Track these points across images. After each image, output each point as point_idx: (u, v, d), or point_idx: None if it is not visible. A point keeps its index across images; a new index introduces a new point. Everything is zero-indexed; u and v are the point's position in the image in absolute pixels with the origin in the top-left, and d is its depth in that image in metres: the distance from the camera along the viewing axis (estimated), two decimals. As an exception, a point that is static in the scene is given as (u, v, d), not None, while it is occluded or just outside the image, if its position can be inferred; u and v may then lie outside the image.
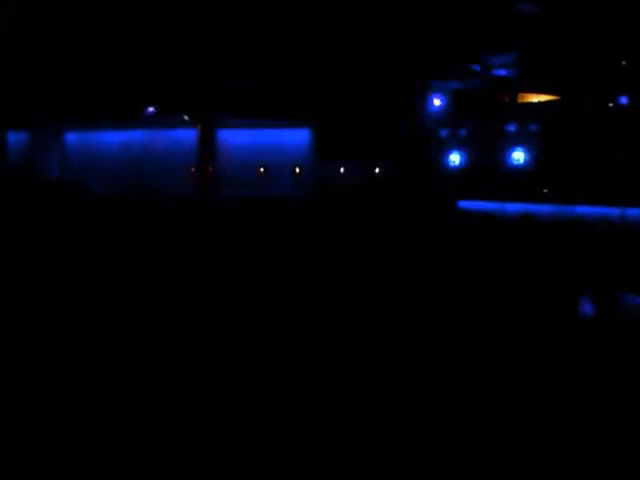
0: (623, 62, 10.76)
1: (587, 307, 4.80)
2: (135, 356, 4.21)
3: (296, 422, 3.34)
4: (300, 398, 3.56)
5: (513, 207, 13.19)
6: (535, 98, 14.47)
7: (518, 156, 13.95)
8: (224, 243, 8.25)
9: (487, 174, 14.14)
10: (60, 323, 4.75)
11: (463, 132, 14.68)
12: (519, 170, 13.97)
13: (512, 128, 14.12)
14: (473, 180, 14.22)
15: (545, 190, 13.24)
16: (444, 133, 14.74)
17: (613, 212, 12.06)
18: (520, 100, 14.59)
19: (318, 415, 3.40)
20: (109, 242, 8.02)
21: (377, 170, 15.91)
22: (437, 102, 12.84)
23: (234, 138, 16.79)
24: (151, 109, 14.93)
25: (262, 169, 16.35)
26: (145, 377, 3.94)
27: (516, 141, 14.14)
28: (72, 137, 18.02)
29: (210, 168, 16.56)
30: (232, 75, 13.04)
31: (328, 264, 6.79)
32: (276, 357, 4.16)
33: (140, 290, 5.78)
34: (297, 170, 16.18)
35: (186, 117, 16.36)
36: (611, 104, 11.72)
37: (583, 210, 12.12)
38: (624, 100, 11.59)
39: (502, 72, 11.86)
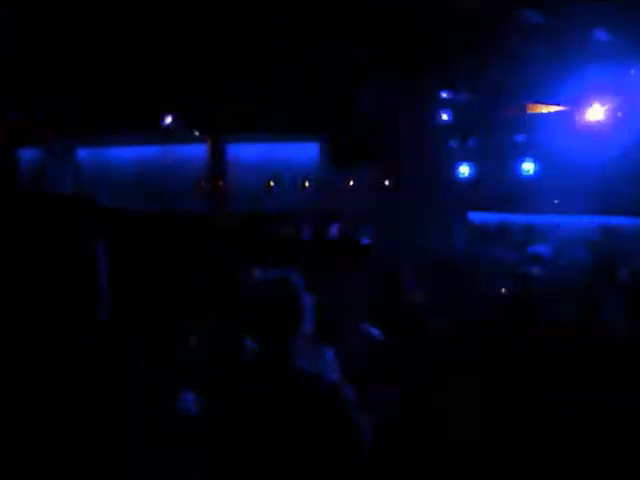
0: (631, 71, 10.70)
1: None
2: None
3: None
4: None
5: (523, 219, 13.17)
6: (544, 109, 14.41)
7: (528, 167, 13.88)
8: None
9: (497, 185, 14.08)
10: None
11: (472, 143, 14.64)
12: (529, 181, 13.89)
13: (521, 139, 14.05)
14: (482, 191, 14.17)
15: (556, 201, 13.18)
16: (453, 145, 14.71)
17: (627, 222, 11.99)
18: (529, 111, 14.52)
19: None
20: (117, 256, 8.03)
21: (387, 182, 15.88)
22: (444, 116, 12.84)
23: (244, 153, 16.90)
24: (168, 121, 14.98)
25: (272, 182, 16.43)
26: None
27: (525, 152, 14.07)
28: (84, 153, 18.22)
29: (220, 183, 16.65)
30: (241, 89, 13.10)
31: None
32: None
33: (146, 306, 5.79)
34: (307, 184, 16.23)
35: (196, 132, 16.46)
36: (620, 113, 11.65)
37: (594, 220, 12.05)
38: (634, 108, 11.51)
39: (505, 82, 11.83)
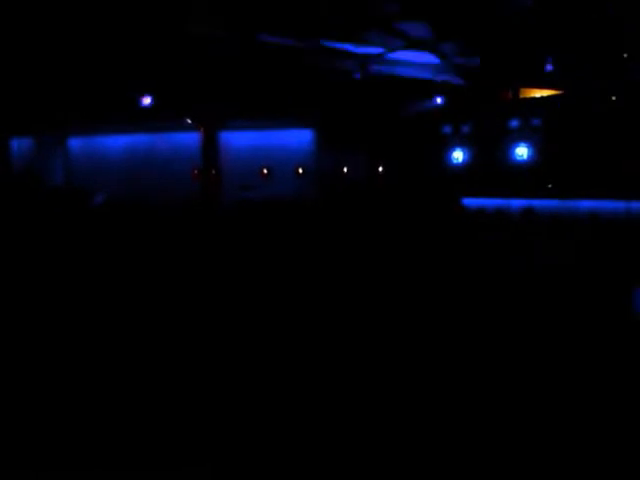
0: (624, 55, 10.69)
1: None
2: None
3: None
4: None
5: (518, 203, 13.16)
6: (538, 93, 14.39)
7: (522, 152, 13.88)
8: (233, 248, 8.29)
9: (491, 170, 14.08)
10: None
11: (466, 128, 14.63)
12: (523, 166, 13.90)
13: (515, 123, 14.03)
14: (477, 176, 14.17)
15: (549, 185, 13.18)
16: (447, 130, 14.70)
17: (619, 206, 12.00)
18: (523, 95, 14.51)
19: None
20: (111, 248, 8.02)
21: (380, 168, 15.89)
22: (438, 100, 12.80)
23: (237, 140, 16.78)
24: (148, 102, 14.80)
25: (265, 170, 16.33)
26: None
27: (519, 137, 14.05)
28: (75, 142, 18.06)
29: (213, 171, 16.55)
30: (233, 76, 13.00)
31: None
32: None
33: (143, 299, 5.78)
34: (300, 170, 16.15)
35: (189, 120, 16.35)
36: (614, 97, 11.66)
37: (587, 205, 12.06)
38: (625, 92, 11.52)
39: (502, 67, 11.81)
